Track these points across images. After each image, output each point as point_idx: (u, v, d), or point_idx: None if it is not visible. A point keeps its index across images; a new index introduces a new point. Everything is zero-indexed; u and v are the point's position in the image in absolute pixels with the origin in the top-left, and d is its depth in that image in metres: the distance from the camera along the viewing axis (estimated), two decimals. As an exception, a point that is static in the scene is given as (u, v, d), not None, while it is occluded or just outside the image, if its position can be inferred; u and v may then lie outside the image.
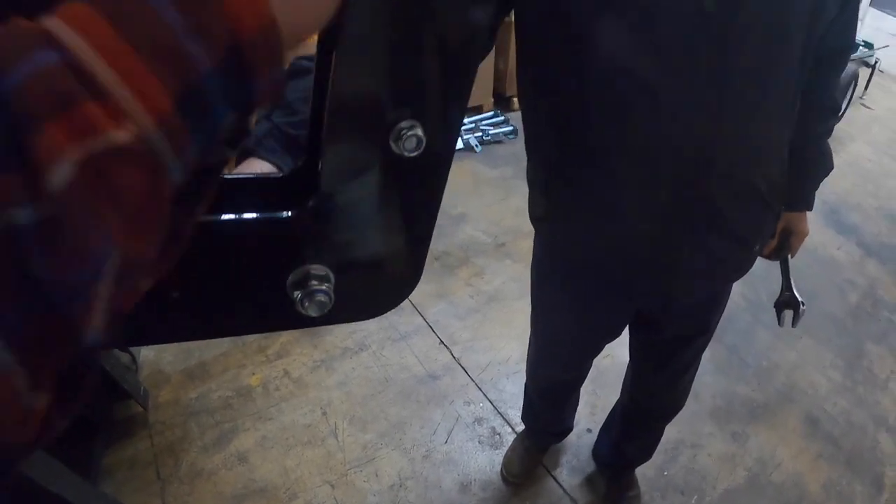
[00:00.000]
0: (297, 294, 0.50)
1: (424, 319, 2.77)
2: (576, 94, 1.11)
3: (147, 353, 2.53)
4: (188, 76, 0.22)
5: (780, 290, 1.58)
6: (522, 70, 1.20)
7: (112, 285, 0.22)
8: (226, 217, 0.48)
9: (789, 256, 1.54)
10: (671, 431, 2.36)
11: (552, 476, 2.20)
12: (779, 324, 1.60)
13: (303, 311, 0.51)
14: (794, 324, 1.59)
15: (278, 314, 0.53)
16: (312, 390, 2.43)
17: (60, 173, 0.20)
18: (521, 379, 2.49)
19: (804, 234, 1.51)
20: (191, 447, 2.27)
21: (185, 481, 2.17)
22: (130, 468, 2.22)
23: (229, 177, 0.54)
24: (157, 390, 2.44)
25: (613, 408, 2.07)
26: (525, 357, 2.57)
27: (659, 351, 1.65)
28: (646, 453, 2.07)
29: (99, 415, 2.23)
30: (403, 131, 0.47)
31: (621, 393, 1.96)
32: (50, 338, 0.21)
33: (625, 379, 1.90)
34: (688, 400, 2.44)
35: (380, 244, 0.56)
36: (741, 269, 1.37)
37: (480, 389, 2.47)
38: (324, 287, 0.50)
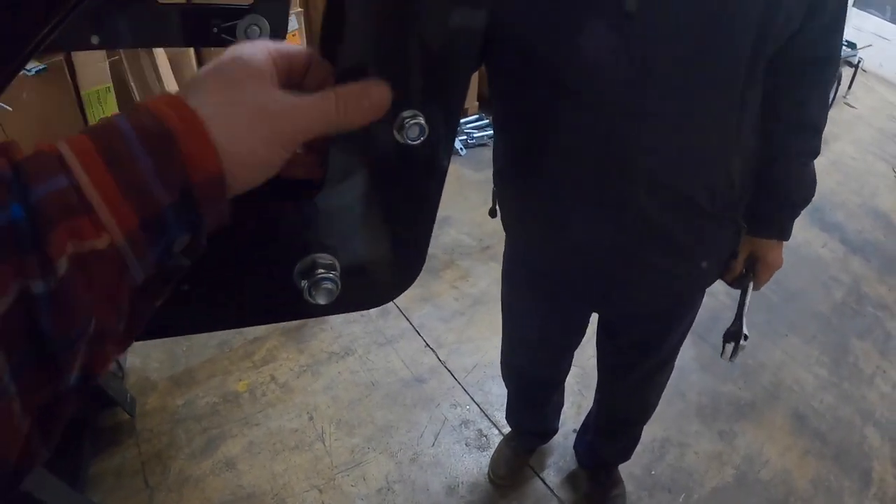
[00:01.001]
0: (304, 283, 0.50)
1: (410, 323, 2.77)
2: (518, 100, 1.13)
3: (133, 360, 2.52)
4: (152, 207, 0.31)
5: (732, 320, 1.48)
6: (489, 89, 1.23)
7: (89, 343, 0.31)
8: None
9: (751, 285, 1.39)
10: (657, 430, 2.37)
11: (539, 477, 2.20)
12: (720, 355, 1.52)
13: (310, 300, 0.51)
14: (731, 357, 1.50)
15: (285, 304, 0.54)
16: (299, 395, 2.42)
17: (63, 262, 0.28)
18: (507, 380, 2.51)
19: (774, 266, 1.36)
20: (178, 454, 2.26)
21: (173, 489, 2.16)
22: (118, 476, 2.20)
23: None
24: (144, 397, 2.43)
25: (589, 411, 2.08)
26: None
27: (620, 358, 1.65)
28: (623, 455, 2.07)
29: (85, 423, 2.22)
30: (407, 120, 0.48)
31: (594, 398, 1.98)
32: (43, 377, 0.29)
33: (597, 385, 1.91)
34: (674, 399, 2.48)
35: (385, 231, 0.57)
36: (691, 285, 1.33)
37: (467, 392, 2.47)
38: (331, 275, 0.51)
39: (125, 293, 0.32)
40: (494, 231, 3.38)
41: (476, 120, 4.48)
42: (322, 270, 0.50)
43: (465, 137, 4.23)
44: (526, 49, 1.05)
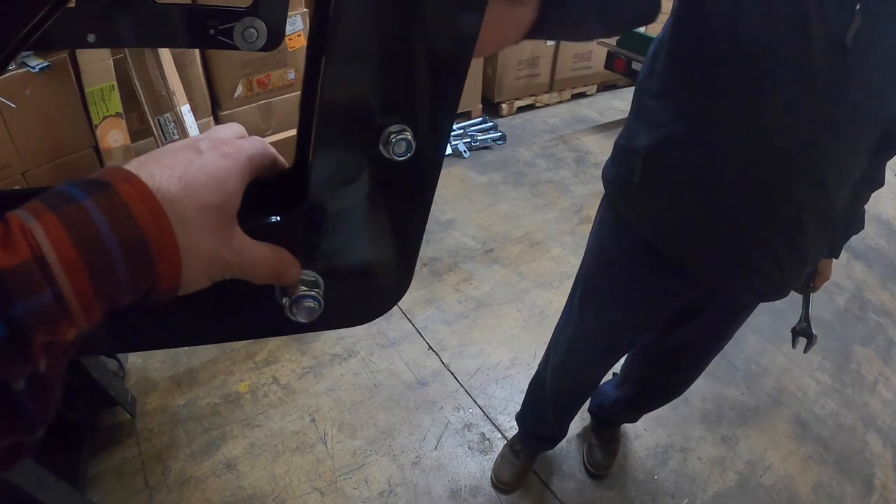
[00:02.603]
0: (286, 300, 0.50)
1: (413, 325, 2.76)
2: (718, 68, 1.19)
3: (134, 360, 2.51)
4: (117, 304, 0.35)
5: (798, 319, 1.87)
6: (665, 61, 1.30)
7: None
8: None
9: (812, 292, 1.79)
10: (661, 435, 2.37)
11: (542, 481, 2.19)
12: (792, 346, 1.91)
13: (292, 317, 0.50)
14: (805, 350, 1.89)
15: (267, 320, 0.53)
16: (301, 397, 2.41)
17: (42, 363, 0.32)
18: (511, 384, 2.51)
19: (827, 278, 1.74)
20: (179, 454, 2.25)
21: (173, 489, 2.15)
22: (118, 476, 2.20)
23: None
24: (145, 397, 2.42)
25: (616, 378, 2.12)
26: (514, 362, 2.60)
27: (685, 338, 1.71)
28: (635, 418, 2.23)
29: (85, 422, 2.21)
30: (393, 135, 0.46)
31: (625, 370, 2.04)
32: (11, 436, 0.33)
33: (629, 358, 1.98)
34: (679, 404, 2.47)
35: (370, 250, 0.55)
36: (786, 289, 1.45)
37: (469, 395, 2.46)
38: (313, 293, 0.50)
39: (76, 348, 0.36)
40: (498, 234, 3.39)
41: (480, 122, 4.48)
42: (304, 288, 0.50)
43: (469, 140, 4.23)
44: (754, 50, 1.14)
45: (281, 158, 0.49)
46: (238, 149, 0.42)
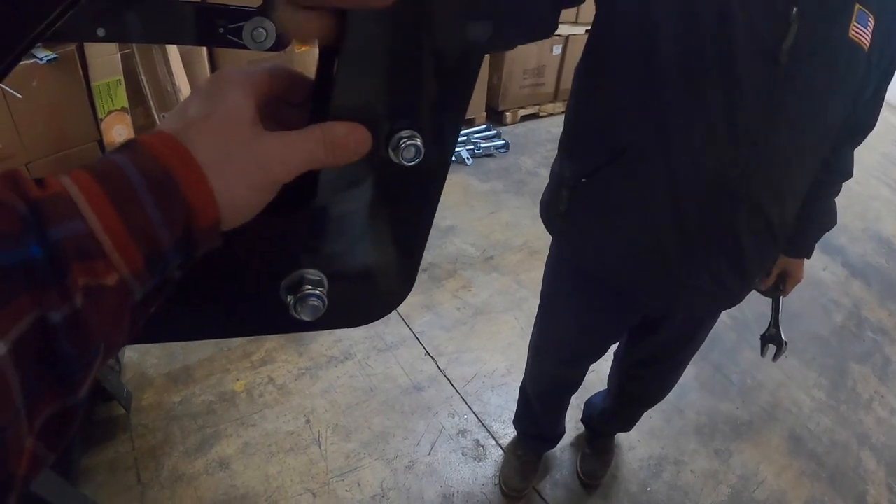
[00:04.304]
0: (290, 298, 0.50)
1: (411, 330, 2.77)
2: (638, 90, 1.15)
3: (131, 356, 2.51)
4: (157, 248, 0.34)
5: (767, 325, 1.76)
6: (587, 61, 1.26)
7: (101, 362, 0.34)
8: None
9: (781, 296, 1.70)
10: (655, 447, 2.37)
11: (534, 489, 2.19)
12: (761, 355, 1.81)
13: (295, 316, 0.50)
14: (774, 358, 1.80)
15: (269, 317, 0.53)
16: (296, 398, 2.41)
17: (78, 297, 0.31)
18: (507, 391, 2.51)
19: (799, 279, 1.66)
20: (172, 451, 2.25)
21: (165, 486, 2.15)
22: (111, 471, 2.19)
23: None
24: (141, 393, 2.42)
25: (599, 394, 2.17)
26: (510, 370, 2.60)
27: (655, 350, 1.72)
28: (626, 427, 2.22)
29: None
30: (403, 140, 0.47)
31: (610, 389, 2.04)
32: (56, 395, 0.32)
33: (612, 369, 1.98)
34: (673, 417, 2.48)
35: (374, 252, 0.56)
36: (738, 298, 1.44)
37: (465, 401, 2.46)
38: (317, 292, 0.50)
39: (129, 314, 0.35)
40: (498, 242, 3.39)
41: (484, 130, 4.49)
42: (309, 287, 0.50)
43: (472, 147, 4.24)
44: (678, 66, 1.09)
45: (298, 73, 0.48)
46: (235, 71, 0.43)
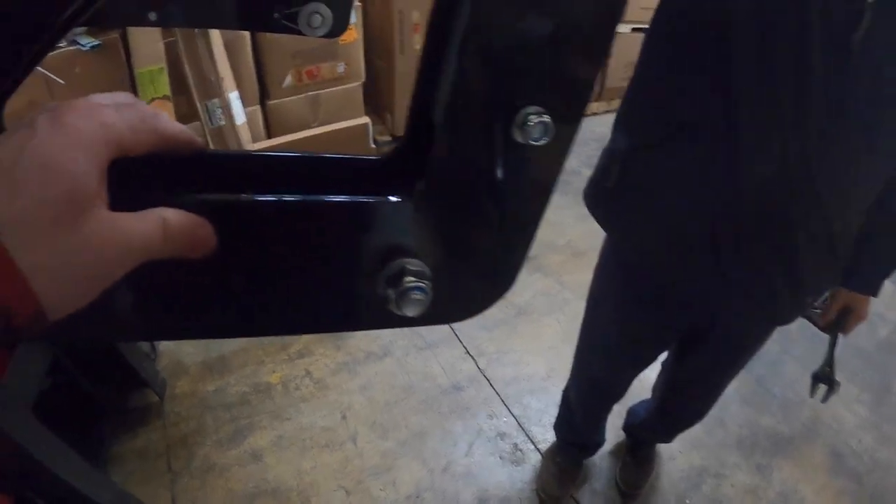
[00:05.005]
0: (391, 292, 0.46)
1: (451, 328, 2.73)
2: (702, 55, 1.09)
3: (167, 343, 2.51)
4: None
5: (821, 363, 1.65)
6: (655, 31, 1.19)
7: None
8: (319, 199, 0.44)
9: (840, 334, 1.58)
10: (695, 459, 2.32)
11: (573, 498, 2.15)
12: (810, 394, 1.69)
13: (396, 311, 0.46)
14: (824, 399, 1.67)
15: (365, 312, 0.50)
16: (333, 393, 2.39)
17: None
18: (547, 395, 2.47)
19: (862, 318, 1.51)
20: (205, 441, 2.24)
21: (196, 475, 2.14)
22: (141, 458, 2.19)
23: (318, 156, 0.50)
24: (175, 380, 2.42)
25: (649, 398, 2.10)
26: (551, 373, 2.56)
27: (696, 370, 1.67)
28: (668, 438, 2.15)
29: (112, 400, 2.20)
30: (530, 117, 0.43)
31: (653, 391, 1.99)
32: None
33: (657, 380, 1.93)
34: (715, 428, 2.43)
35: (482, 238, 0.52)
36: (787, 315, 1.36)
37: (504, 404, 2.43)
38: (422, 284, 0.46)
39: None
40: (540, 241, 3.32)
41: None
42: (412, 279, 0.46)
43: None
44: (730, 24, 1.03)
45: (178, 129, 0.39)
46: (89, 115, 0.33)
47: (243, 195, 0.43)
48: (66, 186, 0.30)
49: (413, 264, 0.47)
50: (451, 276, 0.51)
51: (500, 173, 0.47)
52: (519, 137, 0.44)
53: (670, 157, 1.19)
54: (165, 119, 0.38)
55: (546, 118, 0.43)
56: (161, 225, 0.36)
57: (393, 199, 0.46)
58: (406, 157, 0.49)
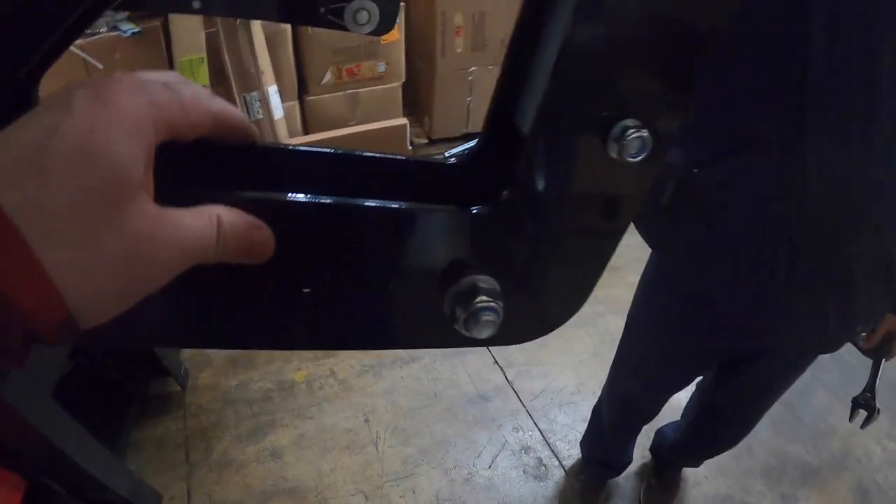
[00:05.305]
0: (460, 312, 0.42)
1: (480, 337, 2.70)
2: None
3: (192, 335, 2.50)
4: None
5: (863, 388, 1.60)
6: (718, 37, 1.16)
7: None
8: (398, 206, 0.41)
9: (884, 360, 1.54)
10: (721, 485, 2.28)
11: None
12: (849, 419, 1.63)
13: (463, 332, 0.43)
14: (863, 426, 1.62)
15: (428, 330, 0.47)
16: (357, 395, 2.37)
17: None
18: (575, 410, 2.43)
19: None
20: (224, 435, 2.23)
21: (213, 469, 2.13)
22: (159, 447, 2.19)
23: (383, 156, 0.46)
24: (198, 372, 2.41)
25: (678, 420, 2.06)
26: (580, 388, 2.52)
27: (733, 397, 1.65)
28: (696, 463, 2.16)
29: (135, 386, 2.19)
30: (629, 131, 0.40)
31: (684, 414, 1.97)
32: None
33: (690, 402, 1.90)
34: (742, 455, 2.38)
35: (562, 257, 0.48)
36: (834, 344, 1.33)
37: (531, 417, 2.39)
38: (494, 305, 0.42)
39: None
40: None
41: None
42: (485, 298, 0.42)
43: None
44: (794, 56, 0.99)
45: (234, 112, 0.35)
46: (136, 91, 0.28)
47: (311, 198, 0.39)
48: (107, 174, 0.26)
49: (485, 282, 0.44)
50: (523, 294, 0.48)
51: (585, 188, 0.45)
52: (613, 152, 0.40)
53: (731, 172, 1.15)
54: (221, 100, 0.33)
55: (644, 133, 0.40)
56: (215, 224, 0.31)
57: (475, 209, 0.43)
58: (484, 165, 0.46)
